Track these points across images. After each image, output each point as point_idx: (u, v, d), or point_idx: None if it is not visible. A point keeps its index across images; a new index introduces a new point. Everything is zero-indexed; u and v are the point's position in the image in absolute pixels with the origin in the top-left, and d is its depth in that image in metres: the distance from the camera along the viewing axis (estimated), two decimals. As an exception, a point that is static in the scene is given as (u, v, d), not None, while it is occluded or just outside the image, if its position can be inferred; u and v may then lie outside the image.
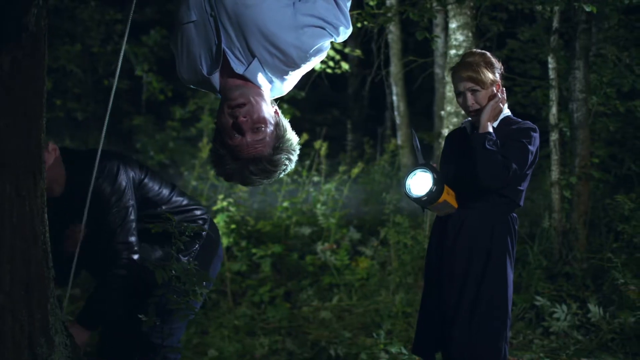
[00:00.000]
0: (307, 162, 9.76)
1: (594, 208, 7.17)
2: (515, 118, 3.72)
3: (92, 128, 14.31)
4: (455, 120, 6.83)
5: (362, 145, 12.04)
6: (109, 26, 12.94)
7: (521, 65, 9.39)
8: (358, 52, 9.78)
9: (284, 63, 2.91)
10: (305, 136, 9.41)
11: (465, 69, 3.67)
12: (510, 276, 3.60)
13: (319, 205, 8.64)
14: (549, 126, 7.15)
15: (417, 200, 3.61)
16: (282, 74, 2.98)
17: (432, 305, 3.75)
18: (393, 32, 10.74)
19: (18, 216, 3.14)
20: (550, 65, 7.14)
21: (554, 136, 7.06)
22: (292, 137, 3.00)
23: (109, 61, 12.99)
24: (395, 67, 10.87)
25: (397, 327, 6.35)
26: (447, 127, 6.92)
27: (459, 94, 3.72)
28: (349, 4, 2.98)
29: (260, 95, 2.95)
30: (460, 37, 6.78)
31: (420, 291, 6.87)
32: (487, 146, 3.48)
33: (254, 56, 2.90)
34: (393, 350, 5.73)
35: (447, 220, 3.65)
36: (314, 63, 3.02)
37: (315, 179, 9.55)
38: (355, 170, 9.52)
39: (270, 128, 2.91)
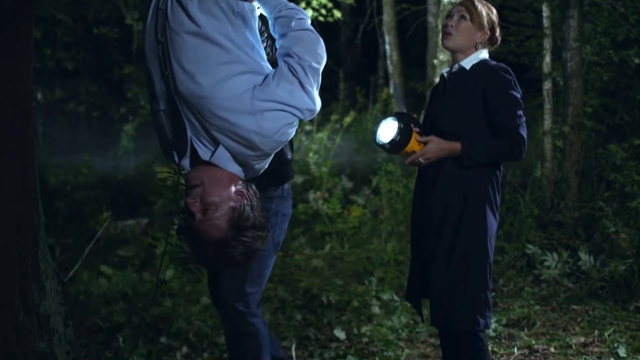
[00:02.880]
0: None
1: (586, 157, 7.17)
2: (490, 61, 3.68)
3: (83, 77, 14.19)
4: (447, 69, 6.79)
5: (355, 94, 11.99)
6: (99, -27, 12.76)
7: (515, 14, 9.31)
8: (350, -1, 9.67)
9: (249, 148, 2.89)
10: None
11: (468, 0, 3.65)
12: (492, 223, 3.56)
13: (311, 154, 8.63)
14: (542, 75, 7.12)
15: (382, 146, 3.63)
16: (251, 158, 2.95)
17: (417, 252, 3.76)
18: (386, -20, 10.64)
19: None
20: (544, 14, 7.09)
21: (547, 85, 7.03)
22: (257, 221, 2.97)
23: (98, 9, 12.82)
24: (388, 16, 10.78)
25: (388, 275, 6.38)
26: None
27: (448, 16, 3.69)
28: (317, 85, 2.97)
29: (218, 178, 2.93)
30: (454, -15, 6.71)
31: (412, 239, 6.91)
32: (483, 154, 3.49)
33: (218, 143, 2.89)
34: (384, 297, 5.77)
35: (427, 169, 3.64)
36: (285, 142, 3.00)
37: (307, 127, 9.52)
38: (348, 119, 9.49)
39: (221, 212, 2.89)
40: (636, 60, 7.50)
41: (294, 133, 3.00)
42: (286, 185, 3.74)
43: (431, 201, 3.59)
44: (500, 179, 3.63)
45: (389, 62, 11.00)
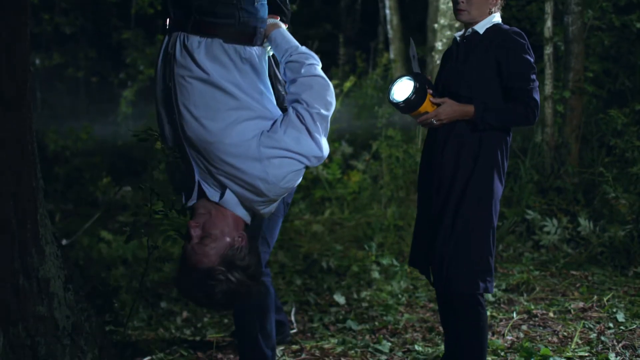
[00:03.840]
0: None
1: (587, 123, 7.14)
2: (503, 25, 3.67)
3: (81, 42, 14.10)
4: (448, 33, 6.74)
5: (355, 59, 11.92)
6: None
7: (516, -22, 9.23)
8: (351, -37, 9.59)
9: (255, 194, 2.90)
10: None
11: None
12: (498, 188, 3.56)
13: (310, 120, 8.59)
14: (543, 40, 7.07)
15: (396, 105, 3.63)
16: (256, 204, 2.96)
17: (423, 217, 3.75)
18: (386, -57, 10.54)
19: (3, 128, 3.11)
20: (546, -23, 7.02)
21: (548, 50, 6.98)
22: (250, 268, 2.93)
23: (96, -27, 12.73)
24: (388, -20, 10.69)
25: (388, 240, 6.39)
26: (440, 41, 6.84)
27: None
28: (325, 132, 2.98)
29: (225, 215, 2.94)
30: (455, -52, 6.63)
31: (411, 204, 6.91)
32: (496, 117, 3.47)
33: (224, 187, 2.91)
34: (384, 262, 5.78)
35: (437, 131, 3.63)
36: (291, 189, 3.05)
37: (307, 93, 9.45)
38: (348, 84, 9.45)
39: (217, 244, 2.88)
40: (638, 25, 7.46)
41: (300, 180, 3.02)
42: None
43: (440, 163, 3.59)
44: (509, 144, 3.62)
45: (389, 26, 10.93)
